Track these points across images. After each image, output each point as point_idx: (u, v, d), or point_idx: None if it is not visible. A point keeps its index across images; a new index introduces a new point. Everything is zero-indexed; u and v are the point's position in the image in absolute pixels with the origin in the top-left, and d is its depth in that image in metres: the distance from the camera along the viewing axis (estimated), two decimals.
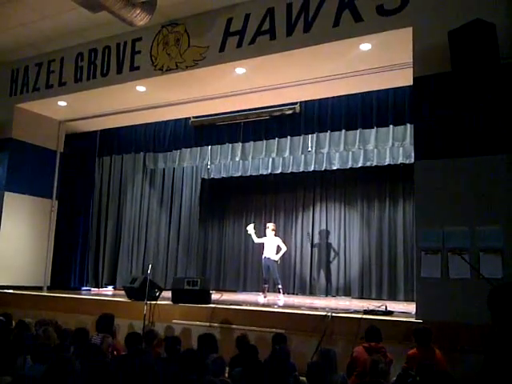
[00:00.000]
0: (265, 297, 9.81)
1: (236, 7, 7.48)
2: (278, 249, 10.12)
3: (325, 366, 3.88)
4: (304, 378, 4.26)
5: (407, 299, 9.98)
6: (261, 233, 10.66)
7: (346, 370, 4.72)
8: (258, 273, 12.43)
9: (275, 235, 10.30)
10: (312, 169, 10.92)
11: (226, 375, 4.31)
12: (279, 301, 9.28)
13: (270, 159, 11.12)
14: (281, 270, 12.16)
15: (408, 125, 8.24)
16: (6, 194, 9.59)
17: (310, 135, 9.43)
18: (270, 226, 10.30)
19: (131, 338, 4.99)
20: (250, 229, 10.41)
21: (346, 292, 11.28)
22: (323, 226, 11.94)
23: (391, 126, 8.53)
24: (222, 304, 7.25)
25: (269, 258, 10.04)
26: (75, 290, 10.51)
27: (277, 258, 10.08)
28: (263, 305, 7.79)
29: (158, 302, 7.38)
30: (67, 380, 3.26)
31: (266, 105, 9.16)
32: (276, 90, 8.30)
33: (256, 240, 10.41)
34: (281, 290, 9.99)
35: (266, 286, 10.15)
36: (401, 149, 9.46)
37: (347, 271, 11.41)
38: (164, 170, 12.22)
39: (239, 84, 8.24)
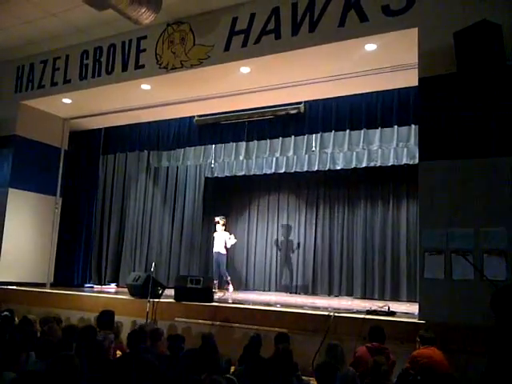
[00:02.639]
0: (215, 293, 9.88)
1: (241, 6, 7.47)
2: (225, 243, 10.51)
3: (334, 364, 3.88)
4: (306, 378, 4.29)
5: (410, 300, 9.99)
6: (258, 234, 10.80)
7: None
8: (260, 271, 12.46)
9: (225, 230, 10.63)
10: (316, 169, 10.94)
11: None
12: (230, 292, 9.52)
13: (274, 159, 11.13)
14: (283, 270, 12.21)
15: (412, 125, 8.23)
16: (11, 190, 9.60)
17: (314, 135, 9.43)
18: (220, 220, 10.60)
19: (134, 336, 4.99)
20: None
21: (349, 292, 11.28)
22: (326, 226, 11.94)
23: (396, 127, 8.52)
24: (225, 302, 7.26)
25: (219, 253, 10.40)
26: (78, 287, 10.54)
27: (224, 249, 10.47)
28: (266, 304, 7.80)
29: (161, 300, 7.40)
30: (69, 376, 3.27)
31: (271, 104, 9.15)
32: (280, 90, 8.29)
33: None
34: (229, 281, 10.31)
35: (217, 282, 10.25)
36: (405, 149, 9.47)
37: (350, 271, 11.41)
38: (168, 168, 12.24)
39: (244, 83, 8.23)
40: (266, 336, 5.81)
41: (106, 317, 5.91)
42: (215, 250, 10.52)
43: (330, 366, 3.82)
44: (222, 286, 10.63)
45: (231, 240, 10.54)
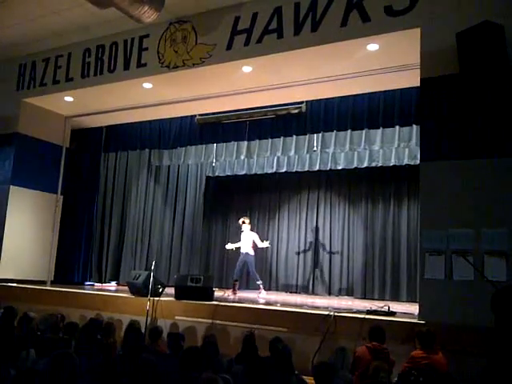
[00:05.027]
0: (235, 294, 9.49)
1: (244, 5, 7.47)
2: (254, 244, 9.97)
3: (332, 365, 3.88)
4: (305, 377, 4.28)
5: (410, 300, 9.99)
6: (258, 233, 10.60)
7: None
8: (260, 271, 12.44)
9: (250, 230, 10.16)
10: (317, 168, 10.92)
11: None
12: (260, 298, 9.14)
13: (275, 158, 11.12)
14: (284, 269, 12.22)
15: (414, 126, 8.22)
16: (12, 187, 9.63)
17: (315, 134, 9.41)
18: (246, 220, 10.13)
19: (134, 335, 5.00)
20: (229, 246, 10.21)
21: (349, 292, 11.28)
22: (327, 226, 11.93)
23: (397, 127, 8.51)
24: (225, 301, 7.27)
25: (247, 253, 9.83)
26: (78, 284, 10.54)
27: (252, 250, 9.91)
28: (266, 303, 7.80)
29: (161, 299, 7.41)
30: (68, 374, 3.27)
31: (272, 103, 9.15)
32: (282, 89, 8.30)
33: (237, 245, 10.12)
34: (261, 286, 9.75)
35: (238, 282, 9.91)
36: (406, 150, 9.46)
37: (350, 271, 11.41)
38: (169, 166, 12.24)
39: (245, 82, 8.23)
40: (266, 335, 5.81)
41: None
42: (242, 250, 9.88)
43: (328, 366, 3.82)
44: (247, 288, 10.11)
45: (264, 243, 9.96)
